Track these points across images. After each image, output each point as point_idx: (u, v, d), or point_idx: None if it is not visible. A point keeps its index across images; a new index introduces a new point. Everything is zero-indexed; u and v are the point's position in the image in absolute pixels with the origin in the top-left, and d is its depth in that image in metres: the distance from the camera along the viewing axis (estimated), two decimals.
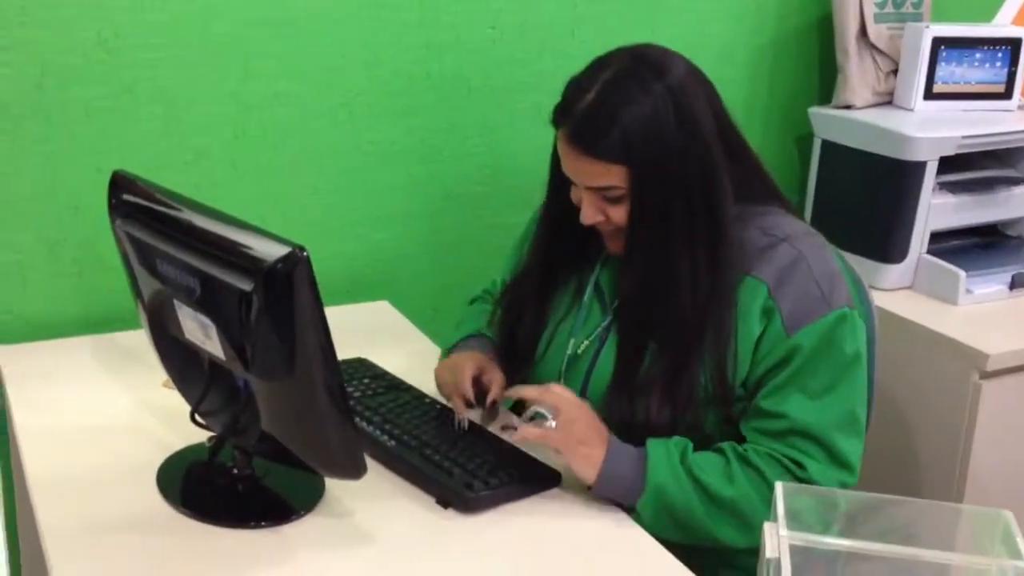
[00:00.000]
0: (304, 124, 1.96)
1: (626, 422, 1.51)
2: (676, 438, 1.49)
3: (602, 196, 1.50)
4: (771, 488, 1.43)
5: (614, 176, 1.47)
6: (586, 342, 1.60)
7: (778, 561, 0.92)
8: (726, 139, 1.52)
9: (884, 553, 0.91)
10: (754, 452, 1.48)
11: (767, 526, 1.00)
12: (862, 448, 1.52)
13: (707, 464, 1.47)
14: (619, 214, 1.50)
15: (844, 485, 1.48)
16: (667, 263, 1.49)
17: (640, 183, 1.47)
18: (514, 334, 1.68)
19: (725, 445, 1.50)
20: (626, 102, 1.45)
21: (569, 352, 1.62)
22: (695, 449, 1.49)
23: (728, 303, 1.49)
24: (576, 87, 1.50)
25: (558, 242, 1.64)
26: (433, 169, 2.09)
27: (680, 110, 1.46)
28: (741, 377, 1.50)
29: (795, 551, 0.88)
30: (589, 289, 1.63)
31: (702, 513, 1.45)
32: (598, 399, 1.55)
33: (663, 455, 1.46)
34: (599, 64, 1.51)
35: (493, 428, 1.59)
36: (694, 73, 1.52)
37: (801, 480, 1.46)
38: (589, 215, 1.52)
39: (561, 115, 1.50)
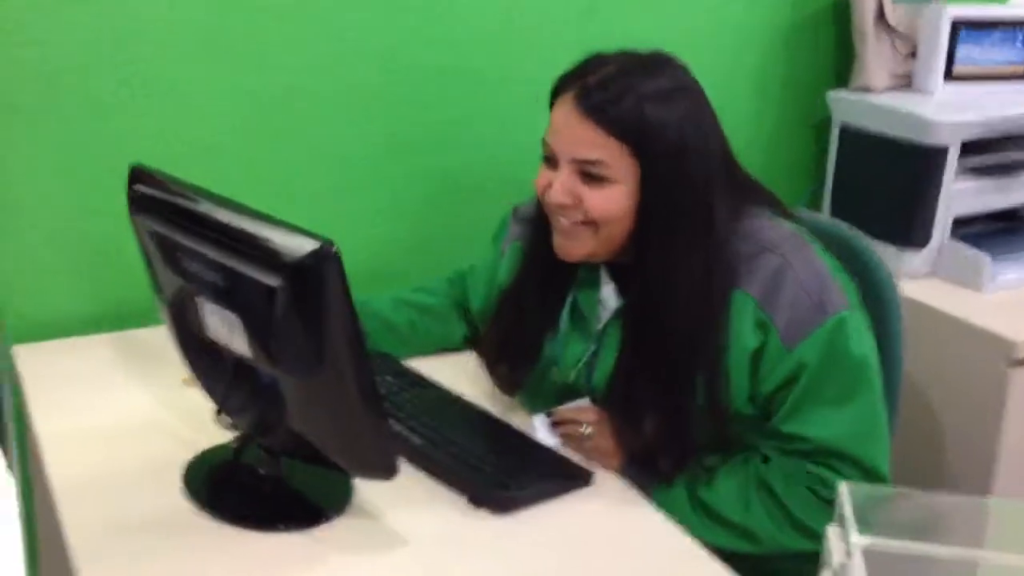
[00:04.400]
0: (316, 117, 1.93)
1: (625, 445, 1.50)
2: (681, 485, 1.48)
3: (582, 173, 1.42)
4: (789, 514, 1.43)
5: (607, 151, 1.40)
6: (574, 371, 1.56)
7: (843, 567, 0.88)
8: (724, 148, 1.49)
9: (959, 557, 0.88)
10: (778, 474, 1.44)
11: (831, 530, 0.97)
12: (888, 450, 1.48)
13: (724, 490, 1.46)
14: (593, 201, 1.42)
15: None
16: (663, 270, 1.44)
17: (650, 173, 1.41)
18: (506, 358, 1.63)
19: (750, 464, 1.46)
20: (645, 81, 1.40)
21: (557, 380, 1.57)
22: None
23: (720, 318, 1.43)
24: (594, 58, 1.45)
25: (535, 269, 1.59)
26: (446, 161, 2.06)
27: (693, 101, 1.44)
28: (740, 395, 1.45)
29: (866, 555, 0.85)
30: (565, 314, 1.57)
31: (714, 536, 1.44)
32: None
33: (666, 505, 1.46)
34: (620, 51, 1.47)
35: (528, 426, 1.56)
36: (699, 85, 1.48)
37: (824, 498, 1.42)
38: (559, 192, 1.43)
39: (570, 79, 1.44)
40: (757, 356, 1.43)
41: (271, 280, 1.18)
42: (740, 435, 1.48)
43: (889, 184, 2.19)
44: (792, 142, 2.41)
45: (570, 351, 1.56)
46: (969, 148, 2.14)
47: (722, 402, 1.44)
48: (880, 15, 2.29)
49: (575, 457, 1.50)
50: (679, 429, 1.46)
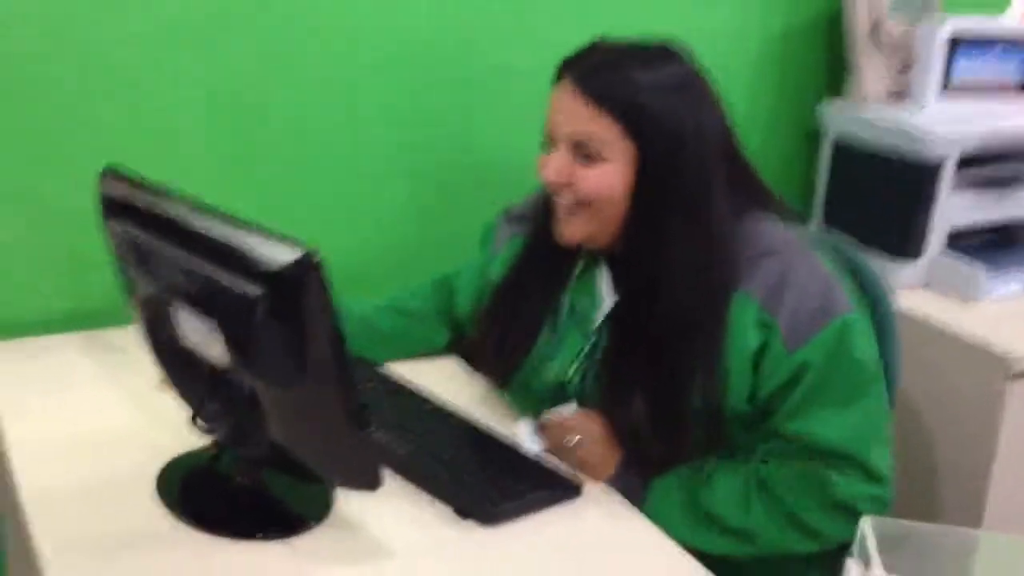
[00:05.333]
0: (310, 115, 1.90)
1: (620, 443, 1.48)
2: (680, 477, 1.46)
3: (577, 152, 1.42)
4: (790, 514, 1.42)
5: (601, 128, 1.40)
6: (572, 368, 1.54)
7: None
8: (728, 146, 1.48)
9: None
10: (778, 473, 1.43)
11: (851, 563, 0.93)
12: (890, 452, 1.47)
13: (723, 492, 1.44)
14: (586, 180, 1.42)
15: (878, 499, 1.44)
16: (659, 264, 1.43)
17: (644, 161, 1.41)
18: (502, 348, 1.61)
19: (750, 464, 1.45)
20: (646, 66, 1.41)
21: (553, 378, 1.55)
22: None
23: (718, 318, 1.42)
24: (598, 43, 1.47)
25: (536, 260, 1.59)
26: (445, 161, 2.03)
27: (697, 94, 1.44)
28: (739, 395, 1.43)
29: None
30: (564, 310, 1.56)
31: (712, 543, 1.43)
32: None
33: (663, 507, 1.44)
34: (626, 38, 1.48)
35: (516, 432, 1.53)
36: (708, 78, 1.48)
37: (828, 499, 1.42)
38: (554, 171, 1.44)
39: (571, 62, 1.45)
40: (758, 356, 1.42)
41: (251, 289, 1.15)
42: (734, 435, 1.47)
43: (882, 196, 2.18)
44: (783, 152, 2.40)
45: (567, 347, 1.55)
46: (965, 161, 2.13)
47: (718, 401, 1.43)
48: (875, 28, 2.27)
49: (564, 467, 1.47)
50: (670, 427, 1.44)
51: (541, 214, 1.56)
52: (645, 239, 1.44)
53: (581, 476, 1.46)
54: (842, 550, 1.54)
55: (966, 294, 2.10)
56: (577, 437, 1.47)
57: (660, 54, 1.45)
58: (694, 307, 1.42)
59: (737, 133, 1.51)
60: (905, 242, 2.15)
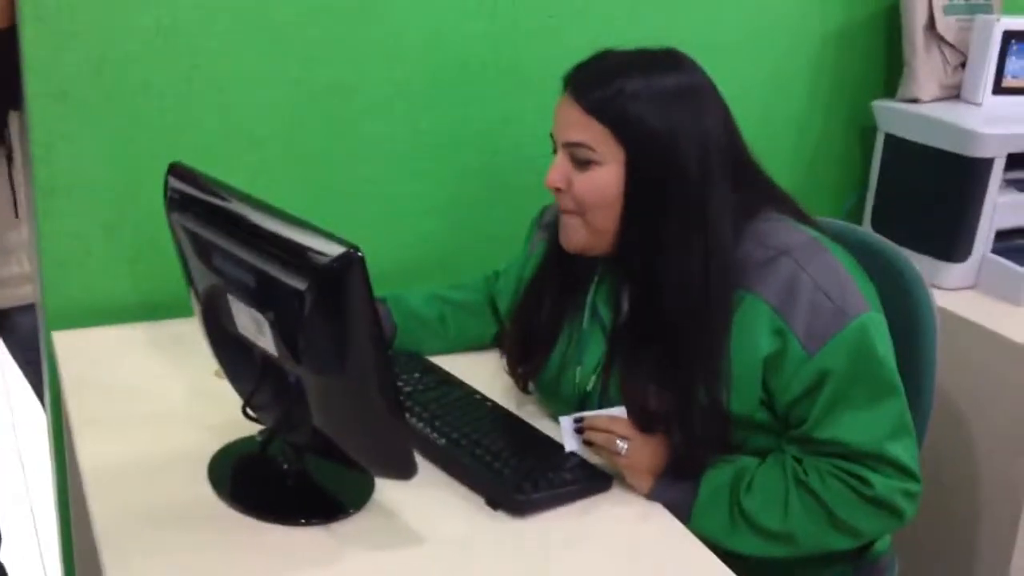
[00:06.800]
0: (360, 113, 1.95)
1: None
2: (732, 468, 1.47)
3: (572, 157, 1.48)
4: (830, 513, 1.44)
5: (590, 133, 1.45)
6: (593, 377, 1.57)
7: None
8: (734, 153, 1.50)
9: None
10: (815, 472, 1.45)
11: None
12: (916, 446, 1.49)
13: (762, 496, 1.45)
14: (580, 185, 1.48)
15: (912, 494, 1.46)
16: (656, 268, 1.46)
17: (634, 167, 1.45)
18: (523, 350, 1.65)
19: (786, 464, 1.46)
20: (641, 75, 1.46)
21: (578, 383, 1.59)
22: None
23: (723, 322, 1.44)
24: (599, 53, 1.52)
25: (555, 264, 1.62)
26: (488, 160, 2.07)
27: (693, 101, 1.46)
28: (750, 401, 1.45)
29: None
30: (587, 313, 1.59)
31: (753, 547, 1.46)
32: None
33: (710, 505, 1.46)
34: (631, 48, 1.52)
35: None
36: (712, 86, 1.51)
37: (866, 497, 1.43)
38: (553, 176, 1.50)
39: (573, 72, 1.51)
40: (773, 362, 1.43)
41: (298, 283, 1.21)
42: (747, 440, 1.49)
43: (932, 195, 2.18)
44: (838, 149, 2.40)
45: (591, 354, 1.58)
46: (1015, 161, 2.12)
47: (722, 402, 1.45)
48: (931, 25, 2.27)
49: (596, 461, 1.50)
50: (686, 431, 1.46)
51: (556, 220, 1.60)
52: (640, 243, 1.47)
53: (621, 480, 1.49)
54: (868, 544, 1.58)
55: (1012, 296, 2.10)
56: (626, 444, 1.47)
57: (660, 62, 1.48)
58: (693, 308, 1.44)
59: (743, 137, 1.53)
60: (953, 242, 2.15)
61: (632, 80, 1.44)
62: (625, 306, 1.54)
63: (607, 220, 1.48)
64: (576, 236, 1.52)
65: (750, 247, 1.46)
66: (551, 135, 1.54)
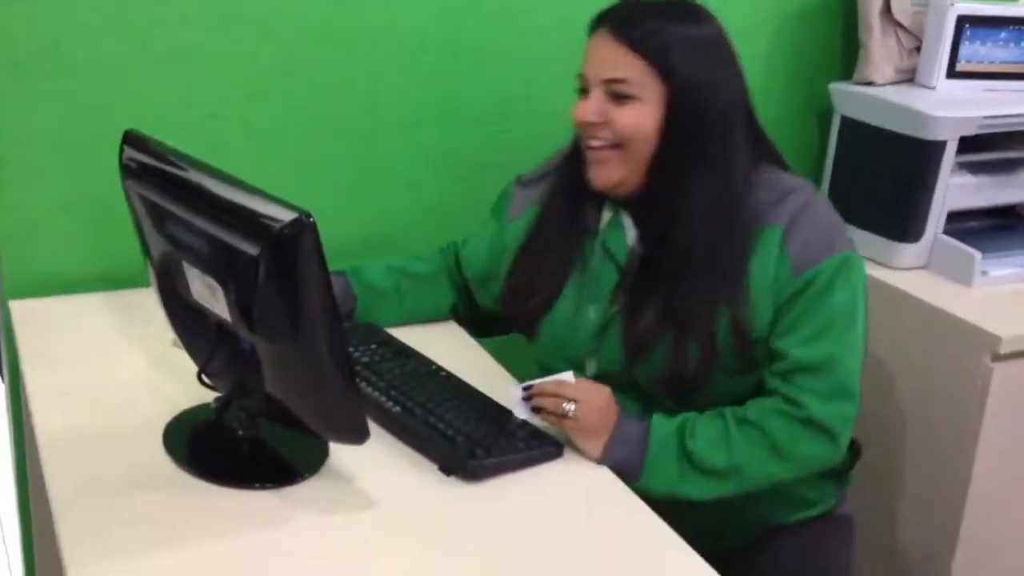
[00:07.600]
0: (318, 88, 1.96)
1: (658, 376, 1.56)
2: (676, 420, 1.53)
3: (611, 93, 1.53)
4: (771, 438, 1.50)
5: (635, 70, 1.51)
6: (615, 307, 1.60)
7: None
8: (745, 106, 1.60)
9: None
10: (754, 408, 1.52)
11: None
12: (860, 372, 1.55)
13: (705, 436, 1.51)
14: (622, 119, 1.52)
15: (846, 416, 1.52)
16: (682, 203, 1.53)
17: (673, 106, 1.51)
18: (528, 298, 1.68)
19: (726, 410, 1.53)
20: (678, 20, 1.53)
21: (594, 319, 1.62)
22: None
23: (743, 252, 1.53)
24: (628, 1, 1.58)
25: (561, 209, 1.66)
26: (448, 136, 2.09)
27: (723, 52, 1.56)
28: (763, 322, 1.53)
29: None
30: (598, 250, 1.63)
31: (704, 489, 1.51)
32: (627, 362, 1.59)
33: (660, 456, 1.51)
34: None
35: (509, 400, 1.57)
36: (730, 39, 1.59)
37: (801, 420, 1.50)
38: (589, 111, 1.54)
39: (607, 14, 1.56)
40: (774, 285, 1.53)
41: (251, 249, 1.22)
42: (760, 360, 1.56)
43: (886, 177, 2.21)
44: (794, 131, 2.43)
45: (602, 289, 1.62)
46: (967, 144, 2.15)
47: (745, 327, 1.53)
48: (887, 9, 2.30)
49: (548, 428, 1.52)
50: (693, 353, 1.53)
51: (565, 166, 1.66)
52: (670, 179, 1.54)
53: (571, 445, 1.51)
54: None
55: (961, 276, 2.14)
56: (573, 405, 1.49)
57: (691, 11, 1.56)
58: (715, 243, 1.52)
59: (752, 98, 1.62)
60: (905, 223, 2.18)
61: (673, 23, 1.52)
62: (635, 244, 1.60)
63: (643, 154, 1.54)
64: (612, 171, 1.56)
65: (759, 192, 1.56)
66: (579, 75, 1.57)
